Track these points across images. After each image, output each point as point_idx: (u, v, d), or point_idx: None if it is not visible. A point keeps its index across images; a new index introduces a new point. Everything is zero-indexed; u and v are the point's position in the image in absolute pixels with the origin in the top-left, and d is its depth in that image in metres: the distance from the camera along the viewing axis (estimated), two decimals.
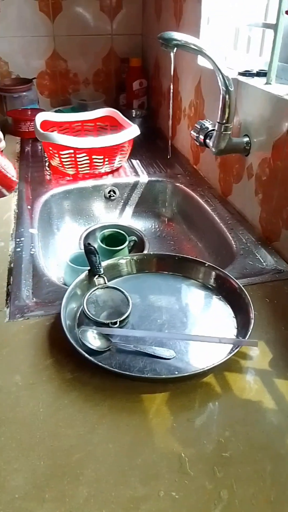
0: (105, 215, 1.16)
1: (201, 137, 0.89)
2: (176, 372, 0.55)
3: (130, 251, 1.01)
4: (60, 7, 1.45)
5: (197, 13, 1.01)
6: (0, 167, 0.66)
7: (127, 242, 0.97)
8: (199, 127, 0.90)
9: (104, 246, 0.96)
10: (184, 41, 0.73)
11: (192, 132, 0.92)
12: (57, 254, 1.03)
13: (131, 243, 1.01)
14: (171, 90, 0.88)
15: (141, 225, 1.16)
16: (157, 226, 1.16)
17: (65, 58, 1.54)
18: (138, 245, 1.03)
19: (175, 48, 0.74)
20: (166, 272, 0.75)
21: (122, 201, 1.16)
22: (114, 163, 1.13)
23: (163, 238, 1.11)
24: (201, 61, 1.03)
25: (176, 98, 1.23)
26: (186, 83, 1.14)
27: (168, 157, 1.07)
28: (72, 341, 0.57)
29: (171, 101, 0.94)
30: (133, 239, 1.02)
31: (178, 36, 0.73)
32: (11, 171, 0.69)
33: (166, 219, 1.16)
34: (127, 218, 1.17)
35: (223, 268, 0.72)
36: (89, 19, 1.49)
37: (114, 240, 0.98)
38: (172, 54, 0.75)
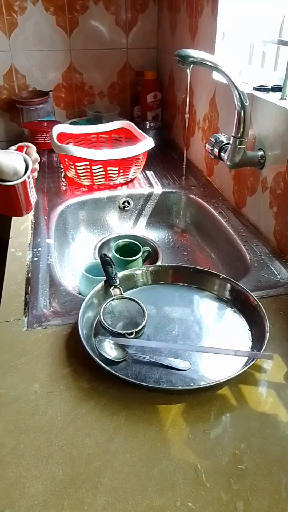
0: (119, 226, 1.18)
1: (216, 150, 0.90)
2: (192, 384, 0.55)
3: (144, 262, 1.02)
4: (77, 22, 1.48)
5: (212, 28, 1.03)
6: (29, 191, 0.68)
7: (141, 253, 0.99)
8: (213, 141, 0.91)
9: (118, 256, 0.97)
10: (200, 58, 0.75)
11: (207, 145, 0.93)
12: (72, 263, 1.04)
13: (145, 254, 1.02)
14: (187, 104, 0.89)
15: (155, 235, 1.17)
16: (170, 237, 1.17)
17: (81, 71, 1.57)
18: (152, 256, 1.04)
19: (192, 65, 0.75)
20: (181, 284, 0.76)
21: (136, 212, 1.18)
22: (128, 174, 1.15)
23: (177, 249, 1.12)
24: (216, 75, 1.05)
25: (191, 111, 1.25)
26: (201, 97, 1.15)
27: (183, 173, 1.09)
28: (89, 351, 0.58)
29: (186, 114, 0.96)
30: (147, 249, 1.03)
31: (194, 53, 0.74)
32: (34, 196, 0.72)
33: (180, 230, 1.17)
34: (141, 229, 1.19)
35: (237, 280, 0.73)
36: (105, 33, 1.52)
37: (128, 251, 1.00)
38: (188, 71, 0.77)
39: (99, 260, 0.99)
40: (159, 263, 1.02)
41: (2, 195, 0.68)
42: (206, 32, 1.08)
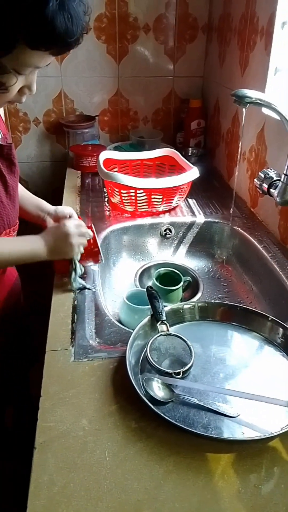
0: (159, 253, 1.18)
1: (265, 186, 0.90)
2: (243, 433, 0.54)
3: (183, 291, 1.02)
4: (126, 51, 1.53)
5: (264, 64, 1.04)
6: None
7: (182, 282, 0.99)
8: (263, 176, 0.91)
9: (158, 284, 0.97)
10: (256, 99, 0.75)
11: (255, 180, 0.93)
12: (112, 288, 1.05)
13: (185, 283, 1.02)
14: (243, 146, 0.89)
15: (194, 264, 1.17)
16: (210, 267, 1.16)
17: (127, 97, 1.61)
18: (192, 285, 1.04)
19: (248, 105, 0.76)
20: (228, 322, 0.75)
21: (177, 239, 1.18)
22: (172, 202, 1.16)
23: (217, 279, 1.12)
24: (266, 109, 1.05)
25: (236, 141, 1.25)
26: (248, 128, 1.16)
27: (231, 205, 1.10)
28: (138, 391, 0.58)
29: (240, 149, 0.96)
30: (187, 279, 1.03)
31: (251, 93, 0.75)
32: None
33: (221, 260, 1.17)
34: (181, 257, 1.19)
35: (283, 319, 0.72)
36: (153, 61, 1.56)
37: (168, 279, 1.00)
38: (244, 110, 0.78)
39: (140, 288, 1.00)
40: (199, 293, 1.01)
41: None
42: (258, 67, 1.08)
